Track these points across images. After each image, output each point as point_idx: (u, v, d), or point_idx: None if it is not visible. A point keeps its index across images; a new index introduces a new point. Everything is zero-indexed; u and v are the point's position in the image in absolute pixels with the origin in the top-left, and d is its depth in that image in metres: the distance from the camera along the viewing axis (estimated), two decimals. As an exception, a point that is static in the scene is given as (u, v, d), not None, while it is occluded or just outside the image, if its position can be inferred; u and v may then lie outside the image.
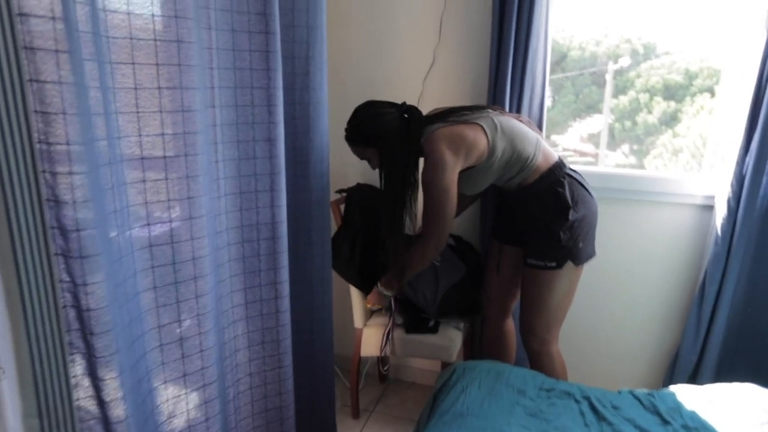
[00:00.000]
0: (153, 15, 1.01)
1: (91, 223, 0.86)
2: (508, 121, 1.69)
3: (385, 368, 2.17)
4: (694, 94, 2.01)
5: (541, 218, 1.70)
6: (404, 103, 1.71)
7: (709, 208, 2.03)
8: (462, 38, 2.11)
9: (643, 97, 2.11)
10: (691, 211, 2.07)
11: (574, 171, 1.75)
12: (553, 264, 1.69)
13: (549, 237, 1.67)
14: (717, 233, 1.91)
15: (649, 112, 2.11)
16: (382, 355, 2.03)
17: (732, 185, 1.84)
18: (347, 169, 2.41)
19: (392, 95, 2.30)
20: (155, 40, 1.01)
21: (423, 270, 2.12)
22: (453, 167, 1.59)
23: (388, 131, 1.64)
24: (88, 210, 0.85)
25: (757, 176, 1.78)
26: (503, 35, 1.91)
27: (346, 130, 1.71)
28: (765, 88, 1.74)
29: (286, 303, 1.53)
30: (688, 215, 2.07)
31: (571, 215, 1.65)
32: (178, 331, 1.13)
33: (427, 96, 2.20)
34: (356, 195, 2.25)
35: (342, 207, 2.21)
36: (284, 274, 1.51)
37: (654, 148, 2.18)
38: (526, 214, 1.75)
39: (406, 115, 1.67)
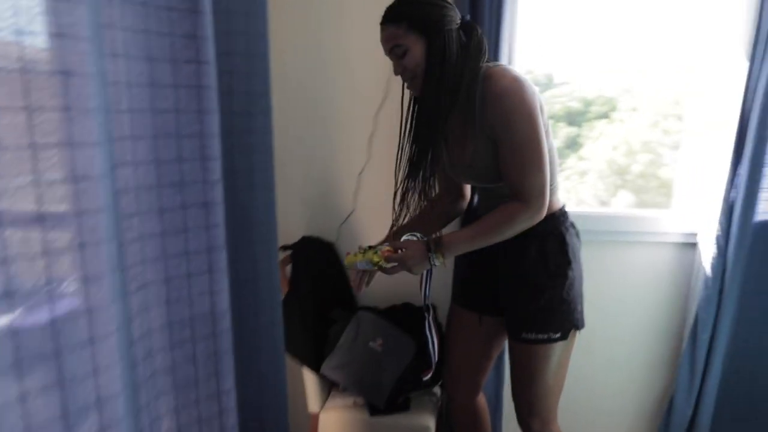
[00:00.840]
0: (19, 32, 0.63)
1: None
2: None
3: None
4: (591, 120, 2.08)
5: (540, 271, 1.37)
6: (466, 18, 1.31)
7: (690, 246, 1.89)
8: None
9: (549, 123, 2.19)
10: (669, 250, 1.92)
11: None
12: (558, 335, 1.38)
13: (551, 300, 1.37)
14: (706, 274, 1.76)
15: (555, 137, 2.16)
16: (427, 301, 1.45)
17: (721, 222, 1.71)
18: (288, 218, 2.04)
19: (340, 133, 1.99)
20: (23, 70, 0.63)
21: (361, 359, 1.72)
22: (532, 95, 1.24)
23: (448, 23, 1.25)
24: None
25: (749, 211, 1.65)
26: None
27: (391, 6, 1.28)
28: (748, 120, 1.63)
29: (232, 419, 1.14)
30: (666, 255, 1.92)
31: (571, 272, 1.39)
32: None
33: (380, 134, 1.91)
34: (303, 252, 1.90)
35: (288, 269, 1.83)
36: (229, 381, 1.12)
37: (562, 171, 2.22)
38: (521, 265, 1.39)
39: (462, 34, 1.29)
